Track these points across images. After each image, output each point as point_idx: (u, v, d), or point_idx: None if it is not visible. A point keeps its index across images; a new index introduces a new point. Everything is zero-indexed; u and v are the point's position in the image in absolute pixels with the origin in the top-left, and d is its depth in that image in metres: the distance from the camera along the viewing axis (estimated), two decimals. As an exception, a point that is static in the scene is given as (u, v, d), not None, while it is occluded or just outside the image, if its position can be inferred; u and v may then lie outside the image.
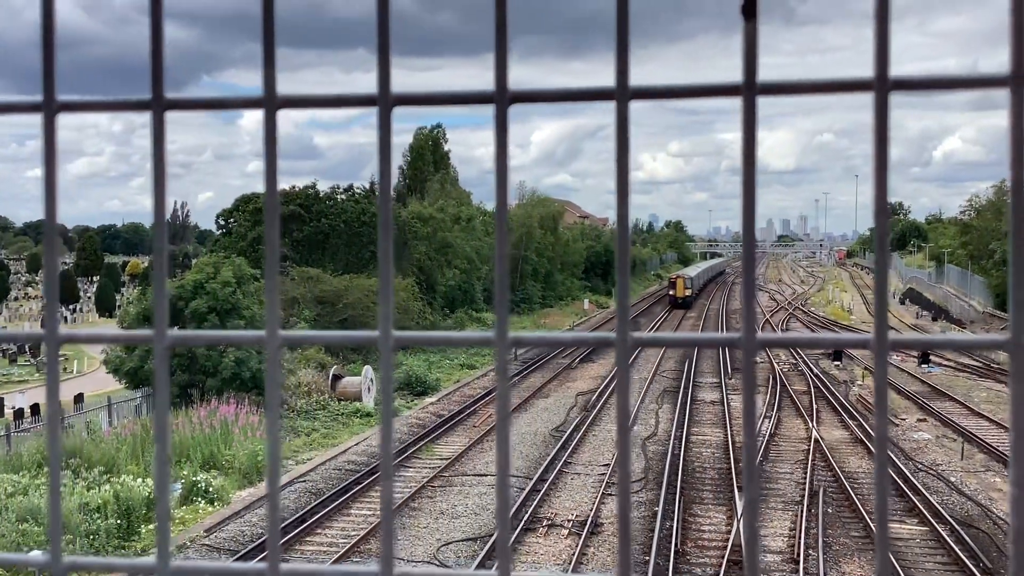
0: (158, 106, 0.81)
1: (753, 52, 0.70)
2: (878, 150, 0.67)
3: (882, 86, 0.68)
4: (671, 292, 70.22)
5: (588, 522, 18.23)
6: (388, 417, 0.73)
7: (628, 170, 0.71)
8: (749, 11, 0.68)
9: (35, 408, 31.03)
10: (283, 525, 18.19)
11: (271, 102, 0.72)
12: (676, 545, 17.37)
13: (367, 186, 55.25)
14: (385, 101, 0.72)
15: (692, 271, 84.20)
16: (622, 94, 0.71)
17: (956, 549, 16.96)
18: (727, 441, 25.11)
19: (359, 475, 22.47)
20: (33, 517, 16.58)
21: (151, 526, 18.21)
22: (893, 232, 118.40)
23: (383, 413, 0.73)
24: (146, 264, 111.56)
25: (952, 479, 21.75)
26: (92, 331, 0.97)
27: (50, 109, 0.80)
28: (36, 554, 1.12)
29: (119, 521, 17.69)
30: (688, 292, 69.60)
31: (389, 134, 0.74)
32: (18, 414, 29.75)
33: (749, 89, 0.69)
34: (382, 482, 0.74)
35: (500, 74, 0.71)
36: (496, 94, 0.73)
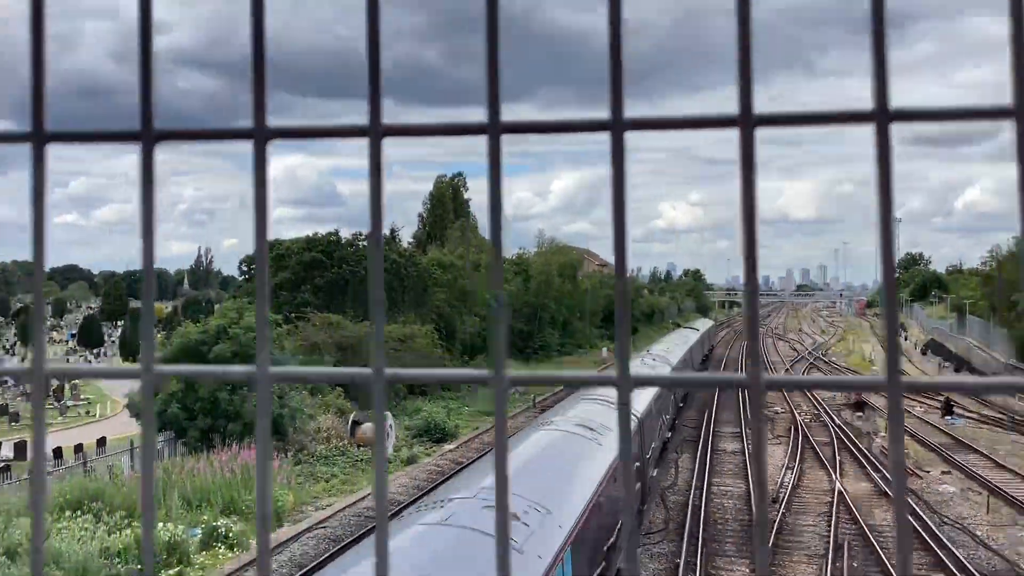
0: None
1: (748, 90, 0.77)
2: (881, 180, 0.75)
3: (883, 119, 0.74)
4: None
5: None
6: (382, 460, 0.79)
7: (624, 201, 0.77)
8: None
9: (57, 452, 31.09)
10: (302, 572, 18.12)
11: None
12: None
13: (388, 233, 55.61)
14: (376, 133, 0.77)
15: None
16: (617, 124, 0.77)
17: (983, 604, 16.65)
18: (749, 492, 24.84)
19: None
20: (54, 561, 16.57)
21: (171, 572, 18.17)
22: (915, 283, 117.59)
23: (376, 454, 0.76)
24: (169, 309, 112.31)
25: (978, 533, 21.40)
26: (77, 367, 0.96)
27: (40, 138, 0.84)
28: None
29: (140, 567, 17.66)
30: None
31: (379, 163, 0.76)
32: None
33: (745, 121, 0.75)
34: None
35: (493, 106, 0.75)
36: (489, 125, 0.75)
